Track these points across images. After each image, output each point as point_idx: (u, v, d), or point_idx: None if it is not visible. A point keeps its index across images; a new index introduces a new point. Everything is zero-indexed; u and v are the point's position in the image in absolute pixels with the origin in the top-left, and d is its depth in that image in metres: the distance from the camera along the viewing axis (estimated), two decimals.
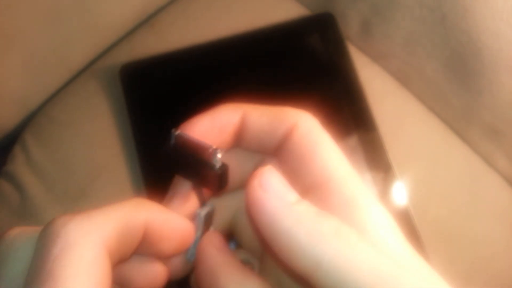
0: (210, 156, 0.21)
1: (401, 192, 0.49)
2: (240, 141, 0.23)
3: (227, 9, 0.58)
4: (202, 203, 0.23)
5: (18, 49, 0.52)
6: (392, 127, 0.52)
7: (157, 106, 0.53)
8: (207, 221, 0.23)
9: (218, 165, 0.21)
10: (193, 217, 0.22)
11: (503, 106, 0.48)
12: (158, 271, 0.21)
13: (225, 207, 0.24)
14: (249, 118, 0.22)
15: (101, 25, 0.57)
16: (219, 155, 0.21)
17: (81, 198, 0.51)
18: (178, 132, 0.23)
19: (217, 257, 0.20)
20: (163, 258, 0.21)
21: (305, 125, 0.22)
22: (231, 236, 0.24)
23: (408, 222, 0.48)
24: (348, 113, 0.52)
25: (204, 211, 0.22)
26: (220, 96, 0.53)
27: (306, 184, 0.20)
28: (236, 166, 0.23)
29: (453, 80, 0.50)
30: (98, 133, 0.53)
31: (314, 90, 0.53)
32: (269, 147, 0.23)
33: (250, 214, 0.18)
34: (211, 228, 0.23)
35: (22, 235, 0.17)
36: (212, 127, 0.22)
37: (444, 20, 0.47)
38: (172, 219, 0.20)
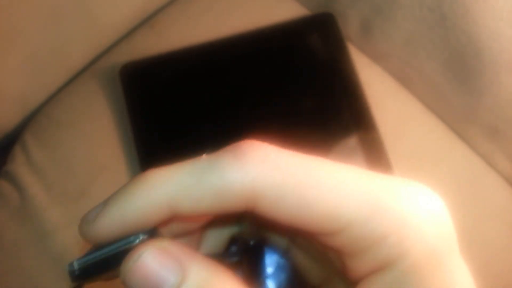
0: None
1: None
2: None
3: (227, 9, 0.58)
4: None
5: (18, 49, 0.52)
6: (392, 127, 0.52)
7: (157, 106, 0.53)
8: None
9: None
10: None
11: (503, 106, 0.48)
12: None
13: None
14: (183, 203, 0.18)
15: (101, 25, 0.57)
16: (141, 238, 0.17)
17: (81, 198, 0.51)
18: (73, 263, 0.18)
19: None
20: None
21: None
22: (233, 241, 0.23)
23: None
24: (348, 113, 0.52)
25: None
26: (220, 96, 0.53)
27: None
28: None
29: (453, 80, 0.50)
30: (98, 133, 0.53)
31: (314, 90, 0.53)
32: None
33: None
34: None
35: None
36: (134, 216, 0.18)
37: (444, 20, 0.47)
38: None
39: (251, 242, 0.20)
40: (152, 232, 0.17)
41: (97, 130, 0.54)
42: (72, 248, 0.49)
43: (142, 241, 0.17)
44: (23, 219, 0.51)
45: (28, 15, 0.51)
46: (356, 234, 0.17)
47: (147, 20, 0.59)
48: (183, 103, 0.53)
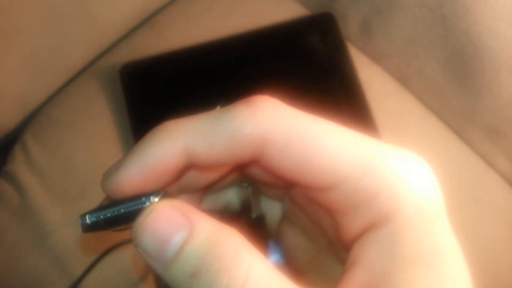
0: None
1: None
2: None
3: (227, 9, 0.58)
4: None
5: (18, 49, 0.52)
6: (392, 127, 0.52)
7: (157, 106, 0.53)
8: None
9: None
10: None
11: (503, 106, 0.48)
12: None
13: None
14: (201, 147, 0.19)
15: (101, 25, 0.57)
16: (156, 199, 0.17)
17: (81, 198, 0.51)
18: (85, 217, 0.18)
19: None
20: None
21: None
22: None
23: None
24: (348, 113, 0.52)
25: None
26: (220, 96, 0.53)
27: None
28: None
29: (453, 80, 0.50)
30: (98, 133, 0.53)
31: (314, 90, 0.53)
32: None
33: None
34: None
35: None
36: (152, 166, 0.18)
37: (444, 20, 0.47)
38: None
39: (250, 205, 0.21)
40: (163, 193, 0.18)
41: (97, 130, 0.54)
42: (72, 248, 0.49)
43: (153, 202, 0.17)
44: (23, 219, 0.51)
45: (28, 15, 0.51)
46: (350, 189, 0.18)
47: (147, 20, 0.59)
48: (183, 103, 0.53)
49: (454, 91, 0.51)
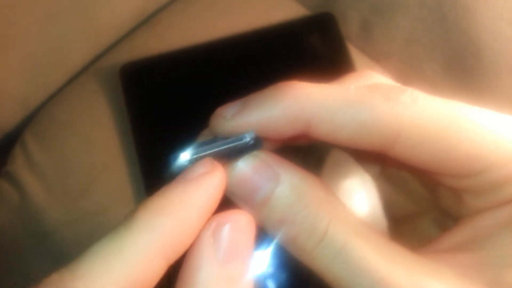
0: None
1: None
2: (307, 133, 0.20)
3: (227, 9, 0.58)
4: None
5: (18, 49, 0.52)
6: None
7: (157, 106, 0.53)
8: None
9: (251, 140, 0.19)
10: None
11: (503, 106, 0.48)
12: None
13: None
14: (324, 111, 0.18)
15: (101, 25, 0.57)
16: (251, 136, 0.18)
17: (81, 198, 0.51)
18: (188, 156, 0.19)
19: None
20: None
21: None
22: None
23: None
24: None
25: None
26: (220, 96, 0.53)
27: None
28: None
29: (453, 80, 0.50)
30: (98, 133, 0.53)
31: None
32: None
33: None
34: None
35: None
36: (273, 123, 0.18)
37: (444, 20, 0.47)
38: None
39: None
40: (257, 139, 0.19)
41: (97, 130, 0.54)
42: (72, 248, 0.49)
43: (248, 142, 0.18)
44: (23, 219, 0.51)
45: (28, 15, 0.51)
46: (493, 176, 0.17)
47: (147, 20, 0.59)
48: (183, 103, 0.53)
49: (454, 91, 0.51)
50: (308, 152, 0.23)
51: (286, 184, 0.17)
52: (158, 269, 0.16)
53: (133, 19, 0.59)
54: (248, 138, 0.18)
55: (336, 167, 0.25)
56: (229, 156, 0.19)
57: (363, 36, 0.56)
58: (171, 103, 0.53)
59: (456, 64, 0.49)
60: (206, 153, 0.19)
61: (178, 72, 0.54)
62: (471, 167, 0.17)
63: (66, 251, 0.49)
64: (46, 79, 0.57)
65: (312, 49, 0.55)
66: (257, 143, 0.19)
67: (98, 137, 0.53)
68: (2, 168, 0.54)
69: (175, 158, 0.19)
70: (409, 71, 0.54)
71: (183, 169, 0.19)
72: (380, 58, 0.56)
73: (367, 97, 0.18)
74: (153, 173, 0.50)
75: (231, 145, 0.18)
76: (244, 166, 0.18)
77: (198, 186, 0.17)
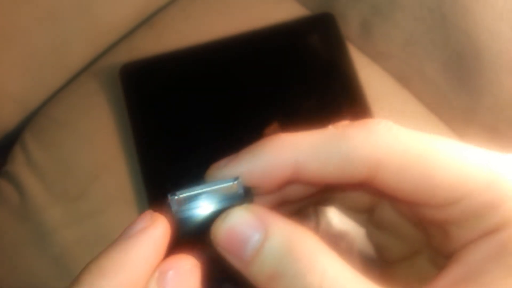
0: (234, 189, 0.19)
1: None
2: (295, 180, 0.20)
3: (227, 9, 0.58)
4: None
5: (18, 49, 0.52)
6: None
7: (157, 106, 0.53)
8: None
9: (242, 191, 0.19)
10: None
11: (503, 107, 0.48)
12: None
13: None
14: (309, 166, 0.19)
15: (101, 25, 0.57)
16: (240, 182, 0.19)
17: (81, 198, 0.51)
18: (177, 195, 0.19)
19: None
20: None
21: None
22: None
23: None
24: (348, 113, 0.52)
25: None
26: (220, 96, 0.53)
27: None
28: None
29: (453, 80, 0.50)
30: (98, 133, 0.53)
31: (314, 90, 0.53)
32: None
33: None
34: None
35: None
36: (261, 170, 0.19)
37: (444, 20, 0.47)
38: None
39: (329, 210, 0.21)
40: (247, 189, 0.19)
41: (97, 130, 0.54)
42: (72, 248, 0.49)
43: (233, 183, 0.19)
44: (23, 219, 0.51)
45: (28, 15, 0.51)
46: (471, 204, 0.17)
47: (147, 20, 0.59)
48: (183, 103, 0.53)
49: (454, 91, 0.51)
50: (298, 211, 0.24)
51: (276, 236, 0.17)
52: None
53: (133, 19, 0.59)
54: (233, 182, 0.19)
55: (324, 219, 0.25)
56: (219, 210, 0.19)
57: (363, 36, 0.56)
58: (171, 103, 0.53)
59: (456, 64, 0.49)
60: (193, 193, 0.19)
61: (178, 72, 0.54)
62: (450, 195, 0.18)
63: (66, 251, 0.49)
64: (46, 79, 0.57)
65: (312, 49, 0.55)
66: (247, 195, 0.19)
67: (98, 137, 0.53)
68: (2, 168, 0.54)
69: (169, 197, 0.19)
70: (409, 71, 0.54)
71: (178, 208, 0.19)
72: (380, 58, 0.56)
73: (345, 132, 0.18)
74: (153, 173, 0.50)
75: (216, 186, 0.19)
76: (232, 218, 0.18)
77: (137, 242, 0.17)
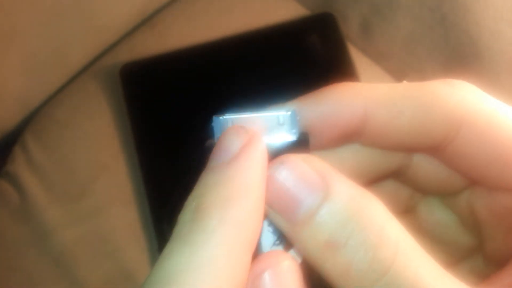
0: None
1: None
2: (357, 137, 0.17)
3: (227, 9, 0.58)
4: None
5: (18, 49, 0.52)
6: None
7: (157, 106, 0.53)
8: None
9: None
10: None
11: None
12: None
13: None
14: (377, 111, 0.16)
15: (101, 25, 0.57)
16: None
17: (81, 198, 0.51)
18: (222, 117, 0.17)
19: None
20: None
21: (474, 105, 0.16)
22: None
23: None
24: None
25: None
26: (220, 96, 0.53)
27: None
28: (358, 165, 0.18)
29: None
30: (98, 133, 0.53)
31: (313, 90, 0.53)
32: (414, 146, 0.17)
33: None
34: None
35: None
36: (324, 115, 0.16)
37: (444, 20, 0.47)
38: None
39: None
40: (304, 136, 0.16)
41: (97, 130, 0.54)
42: (72, 248, 0.49)
43: (285, 114, 0.16)
44: (23, 219, 0.51)
45: (28, 15, 0.51)
46: None
47: (147, 20, 0.59)
48: (183, 103, 0.53)
49: None
50: None
51: (339, 198, 0.14)
52: (247, 264, 0.14)
53: (133, 19, 0.59)
54: (286, 112, 0.16)
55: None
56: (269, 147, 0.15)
57: (363, 36, 0.56)
58: (171, 103, 0.53)
59: (456, 64, 0.49)
60: (241, 116, 0.17)
61: (178, 72, 0.54)
62: None
63: (66, 251, 0.49)
64: (46, 79, 0.57)
65: (312, 49, 0.55)
66: (303, 142, 0.16)
67: (98, 137, 0.53)
68: (2, 168, 0.54)
69: (214, 119, 0.17)
70: (409, 71, 0.54)
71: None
72: (380, 58, 0.56)
73: (426, 84, 0.16)
74: (153, 173, 0.50)
75: (267, 113, 0.16)
76: (286, 171, 0.14)
77: (248, 162, 0.14)
